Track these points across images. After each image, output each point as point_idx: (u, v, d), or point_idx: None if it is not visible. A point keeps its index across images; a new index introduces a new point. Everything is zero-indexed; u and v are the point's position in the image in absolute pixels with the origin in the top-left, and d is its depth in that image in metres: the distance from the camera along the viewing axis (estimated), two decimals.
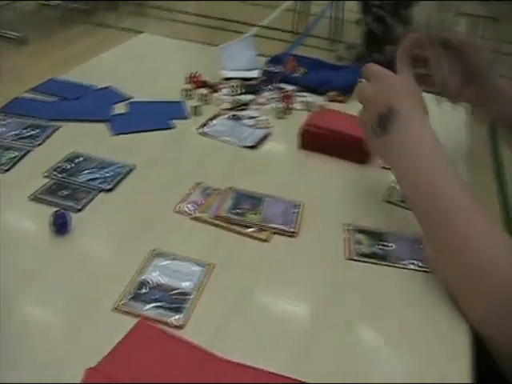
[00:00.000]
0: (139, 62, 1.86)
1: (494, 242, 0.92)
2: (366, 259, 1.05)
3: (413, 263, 1.04)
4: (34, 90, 1.57)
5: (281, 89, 1.69)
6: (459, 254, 0.93)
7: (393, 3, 4.72)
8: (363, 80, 1.19)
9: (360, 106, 1.17)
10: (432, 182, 1.00)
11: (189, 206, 1.13)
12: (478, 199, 0.97)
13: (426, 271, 1.03)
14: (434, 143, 1.06)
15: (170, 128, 1.44)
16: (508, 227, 3.09)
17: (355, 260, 1.04)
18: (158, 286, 0.92)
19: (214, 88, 1.66)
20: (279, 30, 6.40)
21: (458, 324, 0.92)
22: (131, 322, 0.85)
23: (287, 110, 1.59)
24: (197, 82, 1.65)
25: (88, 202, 1.11)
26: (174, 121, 1.47)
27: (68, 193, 1.12)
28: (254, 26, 6.45)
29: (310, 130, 1.41)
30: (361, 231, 1.12)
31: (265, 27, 6.51)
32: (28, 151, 1.27)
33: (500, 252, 0.90)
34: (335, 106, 1.63)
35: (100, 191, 1.15)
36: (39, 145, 1.30)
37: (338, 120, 1.46)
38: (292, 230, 1.09)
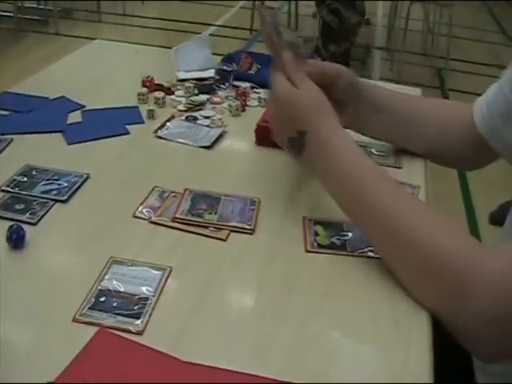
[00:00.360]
0: (93, 69, 1.84)
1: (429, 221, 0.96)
2: (324, 250, 1.05)
3: (371, 250, 1.05)
4: None
5: (236, 87, 1.69)
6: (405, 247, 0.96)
7: None
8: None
9: None
10: (364, 202, 1.01)
11: (146, 210, 1.13)
12: (443, 207, 0.99)
13: None
14: (353, 154, 1.05)
15: (125, 133, 1.43)
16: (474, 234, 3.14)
17: (314, 252, 1.05)
18: (117, 294, 0.92)
19: (168, 90, 1.66)
20: (237, 28, 6.40)
21: (416, 308, 0.94)
22: (92, 331, 0.85)
23: (243, 108, 1.59)
24: (150, 86, 1.65)
25: (44, 215, 1.10)
26: (130, 126, 1.47)
27: (23, 206, 1.12)
28: (211, 25, 6.45)
29: (264, 125, 1.41)
30: (319, 223, 1.12)
31: (222, 26, 6.52)
32: None
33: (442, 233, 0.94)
34: None
35: (55, 202, 1.14)
36: None
37: None
38: (249, 227, 1.10)
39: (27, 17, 6.12)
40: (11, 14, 5.75)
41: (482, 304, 0.88)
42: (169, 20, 6.57)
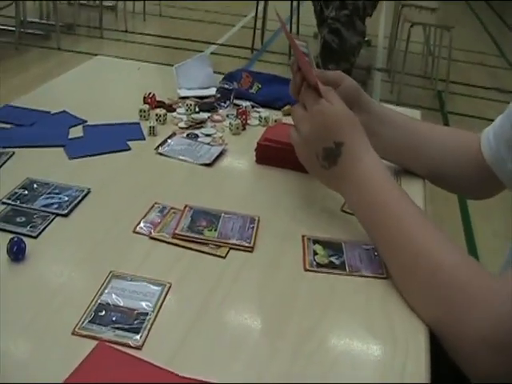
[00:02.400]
0: (94, 84, 1.86)
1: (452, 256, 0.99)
2: (323, 269, 1.06)
3: (369, 270, 1.06)
4: None
5: (236, 105, 1.70)
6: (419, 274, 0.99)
7: (348, 14, 4.76)
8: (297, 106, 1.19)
9: None
10: (386, 215, 1.06)
11: (146, 226, 1.14)
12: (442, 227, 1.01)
13: (382, 278, 1.04)
14: (382, 174, 1.10)
15: (126, 149, 1.44)
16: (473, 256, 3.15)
17: (313, 271, 1.06)
18: (116, 308, 0.92)
19: (170, 107, 1.67)
20: (238, 47, 6.43)
21: (414, 325, 0.95)
22: (91, 344, 0.85)
23: (243, 126, 1.60)
24: (152, 103, 1.66)
25: (44, 228, 1.11)
26: (131, 142, 1.47)
27: (24, 219, 1.12)
28: (212, 44, 6.48)
29: (265, 144, 1.42)
30: (318, 242, 1.13)
31: (224, 45, 6.55)
32: None
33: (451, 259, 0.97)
34: (291, 120, 1.64)
35: (56, 216, 1.15)
36: None
37: None
38: (248, 244, 1.10)
39: (29, 31, 6.14)
40: (13, 28, 5.77)
41: (480, 324, 0.89)
42: (170, 38, 6.60)
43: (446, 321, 0.94)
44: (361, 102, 1.29)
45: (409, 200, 1.07)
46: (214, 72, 1.86)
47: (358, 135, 1.13)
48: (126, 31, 6.73)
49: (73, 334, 0.88)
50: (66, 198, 1.20)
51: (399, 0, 6.23)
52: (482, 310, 0.90)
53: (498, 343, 0.88)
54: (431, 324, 0.95)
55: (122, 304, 0.93)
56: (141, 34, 6.75)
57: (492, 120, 1.34)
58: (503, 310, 0.89)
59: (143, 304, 0.93)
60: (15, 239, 1.02)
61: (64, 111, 1.61)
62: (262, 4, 6.48)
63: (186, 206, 1.20)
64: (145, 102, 1.66)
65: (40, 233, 1.10)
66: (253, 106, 1.72)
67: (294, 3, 6.38)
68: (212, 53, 6.04)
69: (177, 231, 1.12)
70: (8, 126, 1.51)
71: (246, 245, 1.10)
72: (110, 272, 1.00)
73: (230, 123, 1.58)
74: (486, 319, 0.89)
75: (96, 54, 2.15)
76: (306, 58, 1.23)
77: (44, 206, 1.17)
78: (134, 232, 1.12)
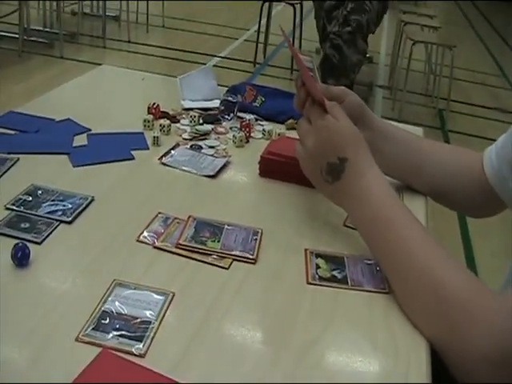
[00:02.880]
0: (99, 93, 1.87)
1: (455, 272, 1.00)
2: (325, 283, 1.06)
3: (371, 285, 1.06)
4: None
5: (240, 118, 1.71)
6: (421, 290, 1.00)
7: (351, 31, 4.77)
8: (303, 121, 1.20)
9: None
10: (388, 231, 1.07)
11: (150, 235, 1.14)
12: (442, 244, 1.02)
13: (384, 293, 1.05)
14: (385, 189, 1.11)
15: (130, 159, 1.45)
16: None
17: (315, 284, 1.06)
18: (120, 316, 0.93)
19: (174, 118, 1.68)
20: (240, 60, 6.45)
21: (416, 338, 0.96)
22: (94, 351, 0.86)
23: (247, 139, 1.60)
24: (156, 113, 1.66)
25: (48, 235, 1.11)
26: (135, 151, 1.48)
27: (28, 225, 1.12)
28: (215, 56, 6.50)
29: (268, 157, 1.43)
30: (320, 256, 1.13)
31: (226, 58, 6.57)
32: None
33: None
34: (294, 134, 1.65)
35: (60, 223, 1.15)
36: None
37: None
38: (251, 256, 1.10)
39: (33, 39, 6.16)
40: (17, 36, 5.78)
41: (481, 342, 0.89)
42: (173, 49, 6.62)
43: (447, 338, 0.94)
44: (364, 118, 1.30)
45: (411, 216, 1.07)
46: (218, 85, 1.86)
47: (362, 151, 1.14)
48: (129, 41, 6.75)
49: (76, 340, 0.88)
50: (70, 206, 1.20)
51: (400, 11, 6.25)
52: (484, 328, 0.91)
53: (499, 360, 0.89)
54: (432, 340, 0.96)
55: (125, 312, 0.94)
56: (144, 44, 6.77)
57: (493, 139, 1.35)
58: (504, 328, 0.89)
59: (146, 313, 0.94)
60: (19, 245, 1.02)
61: (68, 119, 1.61)
62: (264, 18, 6.51)
63: (189, 217, 1.20)
64: (149, 112, 1.66)
65: (44, 239, 1.10)
66: (256, 119, 1.73)
67: (297, 18, 6.41)
68: (214, 65, 6.06)
69: (180, 241, 1.12)
70: (12, 132, 1.51)
71: (249, 257, 1.11)
72: (114, 280, 1.00)
73: (233, 135, 1.59)
74: (487, 337, 0.90)
75: (99, 64, 2.16)
76: (310, 72, 1.23)
77: (48, 212, 1.17)
78: (138, 241, 1.13)
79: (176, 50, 6.59)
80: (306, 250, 1.15)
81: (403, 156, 1.35)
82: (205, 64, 5.55)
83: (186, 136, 1.60)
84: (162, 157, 1.46)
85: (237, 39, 7.33)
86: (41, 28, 6.63)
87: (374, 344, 0.94)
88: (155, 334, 0.90)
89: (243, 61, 6.45)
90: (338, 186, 1.14)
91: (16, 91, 4.37)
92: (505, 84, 7.23)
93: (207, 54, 6.49)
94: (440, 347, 0.95)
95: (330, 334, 0.96)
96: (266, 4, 6.41)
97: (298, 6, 6.37)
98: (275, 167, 1.42)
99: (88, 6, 7.45)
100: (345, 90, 1.31)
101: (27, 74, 5.15)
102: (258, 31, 6.44)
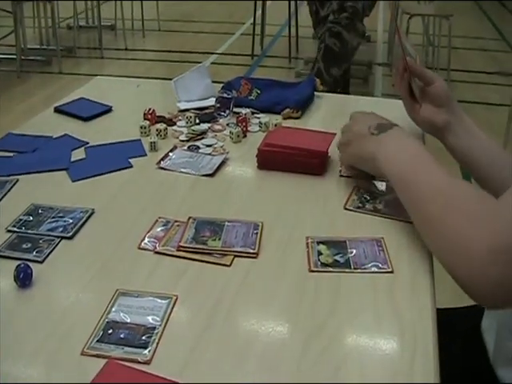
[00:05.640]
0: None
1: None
2: (328, 269, 1.07)
3: (374, 266, 1.07)
4: None
5: (236, 113, 1.70)
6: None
7: (349, 17, 4.72)
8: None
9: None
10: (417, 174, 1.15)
11: (151, 241, 1.15)
12: None
13: (388, 272, 1.05)
14: (421, 151, 1.20)
15: (128, 167, 1.45)
16: None
17: (318, 271, 1.06)
18: (124, 325, 0.93)
19: (170, 122, 1.68)
20: (238, 55, 6.45)
21: (422, 317, 0.96)
22: (101, 363, 0.86)
23: (244, 134, 1.60)
24: (152, 118, 1.67)
25: (50, 252, 1.12)
26: (133, 159, 1.48)
27: (30, 245, 1.13)
28: (213, 53, 6.49)
29: (265, 149, 1.43)
30: (322, 242, 1.13)
31: (224, 54, 6.56)
32: None
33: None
34: (291, 123, 1.65)
35: (61, 239, 1.16)
36: None
37: (292, 136, 1.49)
38: (253, 251, 1.11)
39: (30, 58, 6.18)
40: (14, 57, 5.80)
41: (483, 241, 0.93)
42: (171, 51, 6.62)
43: (450, 246, 0.99)
44: (449, 102, 1.41)
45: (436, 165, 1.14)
46: (216, 81, 1.87)
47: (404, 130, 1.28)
48: (126, 49, 6.75)
49: (82, 354, 0.88)
50: (71, 221, 1.21)
51: None
52: (485, 223, 0.96)
53: (500, 261, 0.91)
54: (437, 253, 1.03)
55: (129, 321, 0.94)
56: (141, 50, 6.77)
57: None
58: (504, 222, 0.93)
59: (150, 319, 0.94)
60: (21, 266, 1.03)
61: (66, 135, 1.62)
62: (259, 10, 6.49)
63: (189, 218, 1.21)
64: (145, 118, 1.67)
65: (46, 257, 1.11)
66: (253, 113, 1.73)
67: (292, 6, 6.39)
68: (213, 62, 6.05)
69: (181, 243, 1.12)
70: (11, 154, 1.52)
71: (251, 251, 1.11)
72: (117, 290, 1.01)
73: (230, 132, 1.59)
74: (489, 228, 0.94)
75: (97, 75, 2.16)
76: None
77: (49, 230, 1.18)
78: (139, 248, 1.13)
79: (174, 51, 6.59)
80: (307, 237, 1.15)
81: (471, 148, 1.38)
82: (200, 63, 5.54)
83: (183, 138, 1.60)
84: (159, 161, 1.46)
85: (233, 34, 7.32)
86: (37, 46, 6.65)
87: (380, 324, 0.95)
88: (160, 339, 0.91)
89: (241, 55, 6.44)
90: (381, 137, 1.25)
91: (18, 112, 4.38)
92: (505, 47, 7.17)
93: (205, 53, 6.48)
94: (444, 257, 1.00)
95: (336, 318, 0.96)
96: None
97: None
98: (273, 158, 1.42)
99: (83, 19, 7.47)
100: (434, 74, 1.45)
101: (27, 94, 5.16)
102: (254, 24, 6.42)
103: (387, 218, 1.23)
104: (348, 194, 1.30)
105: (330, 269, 1.07)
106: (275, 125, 1.63)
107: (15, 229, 1.19)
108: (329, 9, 4.74)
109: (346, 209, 1.25)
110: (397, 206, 1.18)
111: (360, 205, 1.27)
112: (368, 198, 1.29)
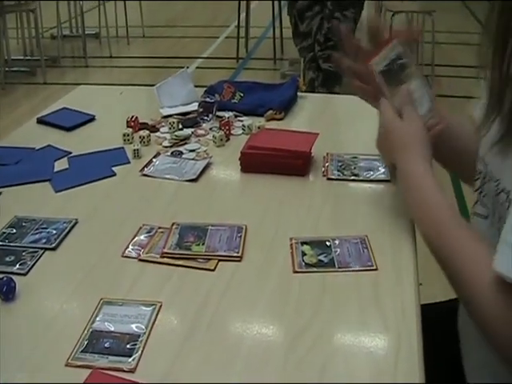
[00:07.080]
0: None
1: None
2: (312, 269, 1.07)
3: (358, 264, 1.07)
4: None
5: (219, 117, 1.71)
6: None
7: (336, 42, 4.68)
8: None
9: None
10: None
11: (134, 249, 1.14)
12: None
13: (372, 270, 1.05)
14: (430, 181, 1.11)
15: (112, 175, 1.45)
16: None
17: (302, 272, 1.06)
18: (108, 334, 0.93)
19: (153, 128, 1.68)
20: (223, 58, 6.44)
21: (405, 315, 0.96)
22: (85, 373, 0.86)
23: (227, 137, 1.60)
24: (135, 126, 1.66)
25: (33, 264, 1.11)
26: (116, 167, 1.48)
27: (13, 258, 1.13)
28: (198, 58, 6.48)
29: (248, 152, 1.43)
30: (306, 243, 1.13)
31: (209, 58, 6.55)
32: None
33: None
34: (274, 125, 1.65)
35: (45, 251, 1.15)
36: None
37: (275, 138, 1.49)
38: (237, 254, 1.11)
39: (14, 69, 6.15)
40: None
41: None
42: (156, 57, 6.61)
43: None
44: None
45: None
46: (201, 86, 1.87)
47: (408, 158, 1.16)
48: (111, 57, 6.73)
49: (66, 365, 0.88)
50: (54, 232, 1.20)
51: None
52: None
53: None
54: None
55: (113, 329, 0.94)
56: (126, 57, 6.75)
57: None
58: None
59: (134, 327, 0.94)
60: (4, 279, 1.03)
61: (49, 145, 1.61)
62: (243, 12, 6.49)
63: (173, 224, 1.20)
64: (128, 126, 1.66)
65: (30, 269, 1.10)
66: (236, 116, 1.73)
67: (276, 7, 6.39)
68: (198, 67, 6.04)
69: (165, 250, 1.12)
70: None
71: (235, 255, 1.11)
72: (101, 299, 1.01)
73: (213, 136, 1.59)
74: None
75: (83, 84, 2.16)
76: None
77: (32, 242, 1.18)
78: (123, 256, 1.13)
79: (158, 57, 6.56)
80: (291, 238, 1.15)
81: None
82: (188, 68, 5.54)
83: (166, 144, 1.60)
84: (143, 168, 1.46)
85: (218, 37, 7.31)
86: (21, 57, 6.61)
87: (364, 323, 0.95)
88: (144, 346, 0.91)
89: (226, 58, 6.42)
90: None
91: (4, 125, 4.35)
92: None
93: (190, 57, 6.46)
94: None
95: (321, 318, 0.96)
96: None
97: None
98: (256, 161, 1.42)
99: (67, 28, 7.44)
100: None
101: (13, 106, 5.13)
102: (238, 26, 6.42)
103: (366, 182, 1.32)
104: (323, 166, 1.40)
105: (315, 269, 1.07)
106: (258, 127, 1.63)
107: None
108: (308, 26, 4.70)
109: (328, 179, 1.34)
110: None
111: (339, 174, 1.36)
112: (343, 165, 1.38)
